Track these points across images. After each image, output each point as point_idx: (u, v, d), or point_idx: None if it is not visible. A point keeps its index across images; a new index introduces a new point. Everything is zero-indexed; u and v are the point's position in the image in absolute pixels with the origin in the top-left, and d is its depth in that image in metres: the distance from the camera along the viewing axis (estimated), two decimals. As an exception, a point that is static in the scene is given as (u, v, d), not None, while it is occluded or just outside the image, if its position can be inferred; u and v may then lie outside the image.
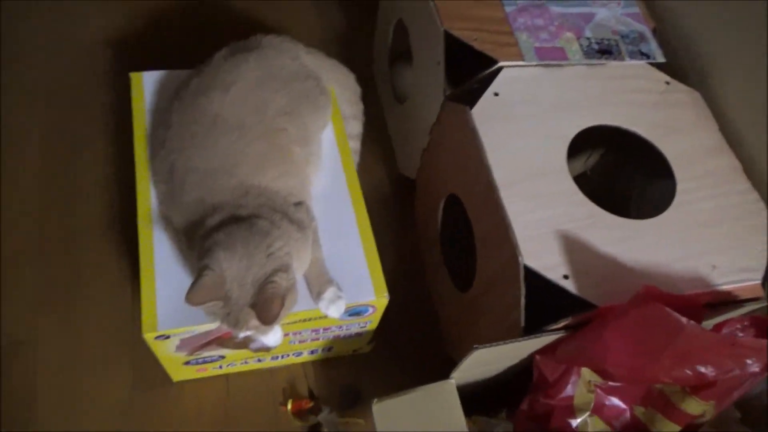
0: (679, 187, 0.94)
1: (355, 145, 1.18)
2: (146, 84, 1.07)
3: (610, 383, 0.84)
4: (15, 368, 1.07)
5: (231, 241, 0.79)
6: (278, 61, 0.99)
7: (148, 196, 0.97)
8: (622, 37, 1.07)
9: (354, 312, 0.96)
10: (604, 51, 1.04)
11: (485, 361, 0.88)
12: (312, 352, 1.12)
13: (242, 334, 0.82)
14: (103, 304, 1.15)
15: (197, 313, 0.87)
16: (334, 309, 0.90)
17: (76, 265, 1.18)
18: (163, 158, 0.92)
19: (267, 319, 0.76)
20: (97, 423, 1.04)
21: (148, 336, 0.87)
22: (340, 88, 1.14)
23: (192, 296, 0.76)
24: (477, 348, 0.79)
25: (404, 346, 1.20)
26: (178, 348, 0.94)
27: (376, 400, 0.86)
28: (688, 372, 0.73)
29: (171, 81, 1.07)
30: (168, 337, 0.88)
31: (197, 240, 0.84)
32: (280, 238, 0.82)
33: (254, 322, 0.79)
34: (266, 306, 0.76)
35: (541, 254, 0.83)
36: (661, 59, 1.06)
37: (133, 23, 1.51)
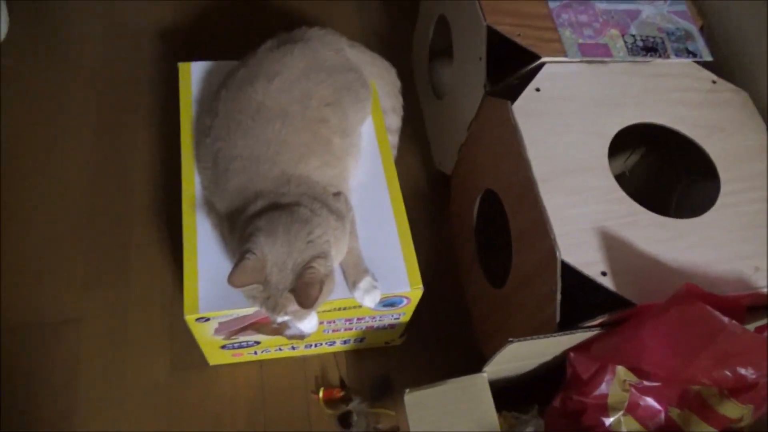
0: (724, 188, 0.92)
1: (393, 139, 1.19)
2: (193, 74, 1.11)
3: (646, 383, 0.83)
4: (60, 346, 1.11)
5: (272, 228, 0.81)
6: (322, 53, 1.01)
7: (192, 182, 1.00)
8: (668, 34, 1.05)
9: (388, 303, 0.98)
10: (649, 48, 1.03)
11: (518, 356, 0.88)
12: (344, 342, 1.13)
13: (280, 319, 0.83)
14: (145, 287, 1.19)
15: (237, 298, 0.90)
16: (369, 299, 0.91)
17: (122, 247, 1.22)
18: (209, 146, 0.94)
19: (306, 303, 0.78)
20: (137, 401, 1.08)
21: (189, 318, 0.89)
22: (381, 82, 1.15)
23: (234, 278, 0.78)
24: (512, 341, 0.80)
25: (435, 341, 1.21)
26: (217, 331, 0.96)
27: (407, 390, 0.87)
28: (728, 373, 0.72)
29: (217, 71, 1.10)
30: (208, 319, 0.91)
31: (239, 226, 0.86)
32: (319, 226, 0.84)
33: (292, 307, 0.81)
34: (305, 290, 0.78)
35: (579, 250, 0.83)
36: (707, 58, 1.04)
37: (181, 16, 1.56)
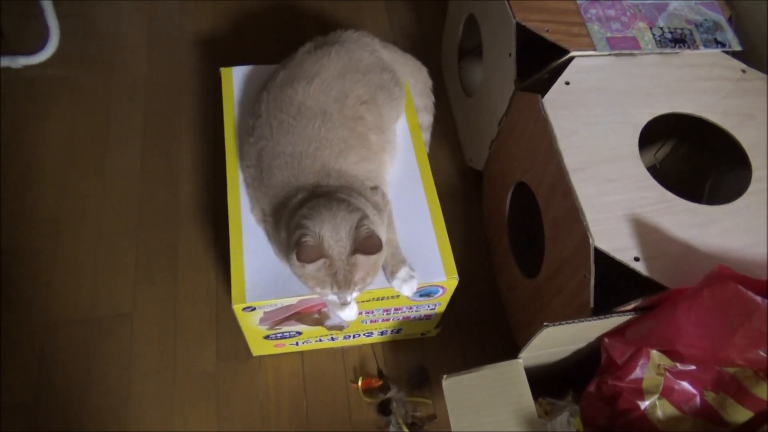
0: (755, 174, 0.93)
1: (425, 136, 1.23)
2: (235, 78, 1.16)
3: (681, 367, 0.84)
4: (114, 338, 1.18)
5: (316, 211, 0.85)
6: (357, 54, 1.05)
7: (237, 181, 1.05)
8: (697, 26, 1.06)
9: (425, 293, 1.01)
10: (678, 40, 1.04)
11: (553, 342, 0.90)
12: (382, 333, 1.17)
13: (349, 297, 0.88)
14: (192, 282, 1.25)
15: (281, 288, 0.95)
16: (406, 288, 0.95)
17: (170, 245, 1.29)
18: (252, 145, 0.99)
19: (373, 249, 0.83)
20: (186, 390, 1.14)
21: (237, 307, 0.94)
22: (413, 81, 1.19)
23: (303, 255, 0.82)
24: (547, 326, 0.82)
25: (470, 333, 1.24)
26: (262, 321, 1.01)
27: (445, 376, 0.90)
28: (762, 353, 0.73)
29: (257, 75, 1.15)
30: (254, 309, 0.96)
31: (283, 220, 0.91)
32: (357, 202, 0.89)
33: (359, 274, 0.85)
34: (367, 242, 0.83)
35: (612, 237, 0.85)
36: (737, 47, 1.05)
37: (220, 23, 1.63)
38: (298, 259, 0.82)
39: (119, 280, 1.24)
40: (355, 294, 0.89)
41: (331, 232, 0.84)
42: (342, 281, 0.86)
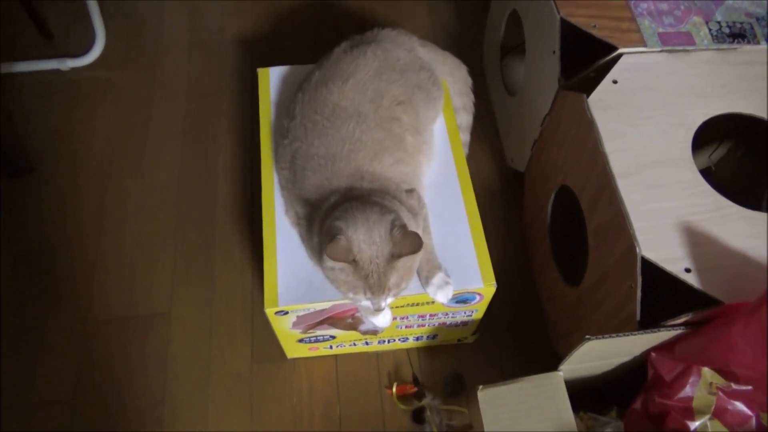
0: (822, 180, 0.86)
1: (464, 137, 1.19)
2: (272, 79, 1.16)
3: (735, 386, 0.79)
4: (152, 338, 1.19)
5: (348, 214, 0.83)
6: (394, 53, 1.03)
7: (272, 183, 1.04)
8: (758, 19, 0.99)
9: (461, 299, 0.98)
10: (737, 35, 0.98)
11: (596, 355, 0.86)
12: (417, 339, 1.15)
13: (383, 303, 0.85)
14: (228, 283, 1.25)
15: (314, 292, 0.93)
16: (441, 294, 0.92)
17: (206, 246, 1.29)
18: (287, 146, 0.98)
19: (413, 246, 0.81)
20: (221, 390, 1.14)
21: (269, 311, 0.93)
22: (452, 80, 1.16)
23: (332, 251, 0.80)
24: (589, 339, 0.78)
25: (509, 340, 1.20)
26: (295, 325, 1.00)
27: (481, 387, 0.87)
28: (827, 377, 0.67)
29: (294, 75, 1.14)
30: (286, 313, 0.95)
31: (317, 223, 0.89)
32: (390, 204, 0.86)
33: (394, 278, 0.83)
34: (406, 239, 0.81)
35: (661, 246, 0.80)
36: (803, 42, 0.98)
37: (259, 25, 1.63)
38: (327, 254, 0.80)
39: (157, 280, 1.25)
40: (389, 300, 0.87)
41: (364, 236, 0.81)
42: (375, 286, 0.83)
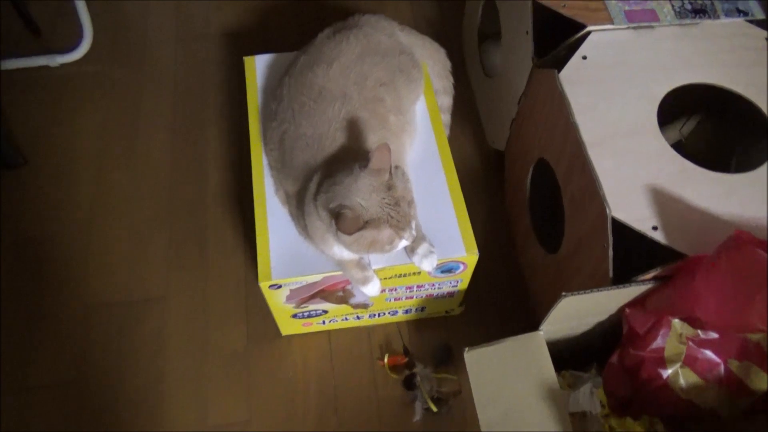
0: (779, 142, 0.92)
1: (445, 118, 1.24)
2: (258, 66, 1.20)
3: (703, 336, 0.84)
4: (147, 321, 1.23)
5: (336, 187, 0.86)
6: (375, 37, 1.07)
7: (261, 165, 1.08)
8: (717, -4, 1.05)
9: (446, 269, 1.03)
10: (698, 11, 1.04)
11: (574, 313, 0.91)
12: (406, 312, 1.19)
13: (414, 231, 0.88)
14: (221, 266, 1.29)
15: (305, 266, 0.98)
16: (427, 263, 0.97)
17: (199, 231, 1.33)
18: (275, 129, 1.03)
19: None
20: (217, 369, 1.18)
21: (263, 284, 0.98)
22: (432, 62, 1.21)
23: (345, 228, 0.82)
24: (565, 295, 0.83)
25: (494, 312, 1.25)
26: (288, 299, 1.04)
27: (467, 348, 0.91)
28: (784, 318, 0.72)
29: (279, 62, 1.18)
30: (280, 286, 0.99)
31: (308, 202, 0.93)
32: None
33: (404, 201, 0.87)
34: (382, 158, 0.85)
35: (630, 207, 0.85)
36: (760, 15, 1.03)
37: (246, 16, 1.67)
38: (343, 233, 0.83)
39: (152, 266, 1.29)
40: (413, 224, 0.89)
41: (361, 193, 0.84)
42: (398, 220, 0.85)
